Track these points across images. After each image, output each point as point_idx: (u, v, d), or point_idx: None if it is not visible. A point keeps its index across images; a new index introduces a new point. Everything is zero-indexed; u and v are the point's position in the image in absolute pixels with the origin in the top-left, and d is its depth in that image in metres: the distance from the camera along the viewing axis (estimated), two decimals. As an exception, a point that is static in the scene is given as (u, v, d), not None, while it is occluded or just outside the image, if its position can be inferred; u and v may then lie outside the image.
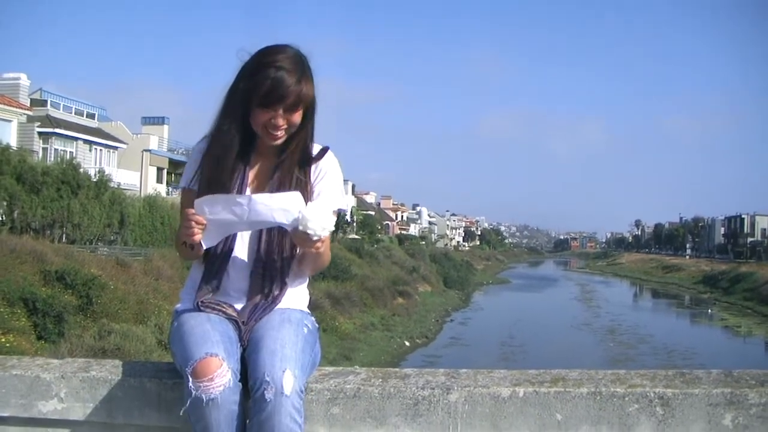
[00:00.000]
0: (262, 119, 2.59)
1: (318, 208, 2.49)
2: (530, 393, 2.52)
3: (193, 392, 2.31)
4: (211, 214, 2.52)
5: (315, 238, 2.48)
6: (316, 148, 2.77)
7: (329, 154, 2.78)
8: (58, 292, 22.72)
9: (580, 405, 2.48)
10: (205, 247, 2.59)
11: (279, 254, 2.68)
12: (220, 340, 2.43)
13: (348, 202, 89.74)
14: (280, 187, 2.66)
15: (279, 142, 2.66)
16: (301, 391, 2.38)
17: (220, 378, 2.32)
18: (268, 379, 2.32)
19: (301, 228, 2.47)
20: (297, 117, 2.62)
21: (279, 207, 2.50)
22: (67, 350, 18.89)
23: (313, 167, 2.74)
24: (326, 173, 2.76)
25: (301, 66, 2.61)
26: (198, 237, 2.53)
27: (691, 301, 79.08)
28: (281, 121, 2.59)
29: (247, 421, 2.41)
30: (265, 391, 2.31)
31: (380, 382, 2.62)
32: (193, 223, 2.51)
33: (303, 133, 2.70)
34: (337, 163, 2.80)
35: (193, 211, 2.52)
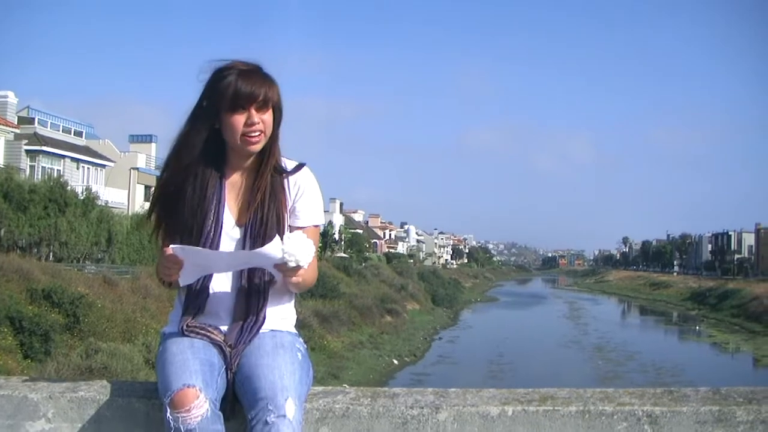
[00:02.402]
0: (236, 124, 2.57)
1: (297, 239, 2.48)
2: (519, 412, 2.52)
3: (171, 423, 2.32)
4: (187, 260, 2.51)
5: (293, 265, 2.47)
6: (291, 164, 2.75)
7: (306, 169, 2.76)
8: (45, 310, 22.65)
9: (569, 424, 2.48)
10: (182, 285, 2.59)
11: (262, 272, 2.66)
12: (199, 370, 2.42)
13: (337, 221, 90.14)
14: (263, 207, 2.65)
15: (258, 146, 2.62)
16: (301, 419, 2.40)
17: (198, 409, 2.32)
18: (271, 408, 2.33)
19: (281, 258, 2.46)
20: (269, 118, 2.62)
21: (260, 260, 2.52)
22: (54, 369, 18.82)
23: (291, 183, 2.72)
24: (305, 190, 2.73)
25: (261, 70, 2.64)
26: (175, 277, 2.54)
27: (679, 318, 79.16)
28: (256, 119, 2.57)
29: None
30: (267, 418, 2.32)
31: (369, 401, 2.61)
32: (171, 262, 2.51)
33: (273, 141, 2.67)
34: (315, 179, 2.79)
35: (170, 251, 2.49)
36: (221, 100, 2.56)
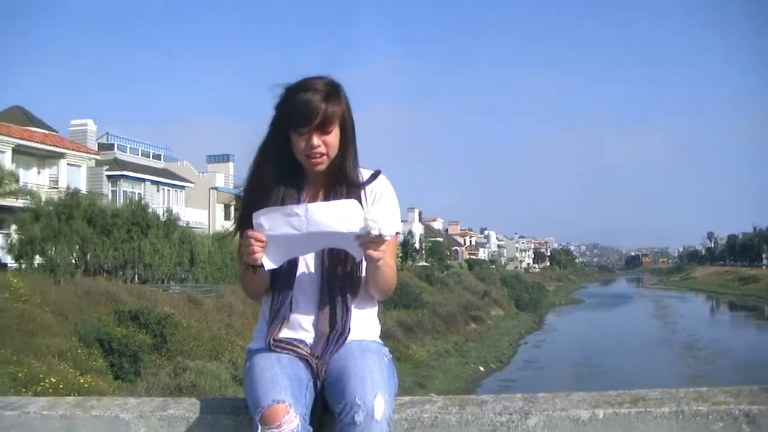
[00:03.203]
0: (300, 144, 2.59)
1: (381, 210, 2.49)
2: (610, 414, 2.47)
3: None
4: (270, 230, 2.50)
5: (376, 233, 2.42)
6: (366, 173, 2.74)
7: (382, 177, 2.76)
8: (133, 331, 23.12)
9: (662, 425, 2.43)
10: (267, 269, 2.57)
11: (344, 280, 2.66)
12: (288, 385, 2.43)
13: (417, 230, 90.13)
14: None
15: (321, 167, 2.64)
16: (390, 419, 2.38)
17: (288, 424, 2.33)
18: (359, 402, 2.32)
19: (363, 227, 2.44)
20: (333, 138, 2.61)
21: (338, 216, 2.48)
22: (144, 389, 19.16)
23: (368, 192, 2.71)
24: (381, 196, 2.73)
25: (332, 88, 2.62)
26: (259, 255, 2.52)
27: (770, 313, 77.46)
28: (317, 142, 2.57)
29: None
30: (356, 415, 2.31)
31: (457, 409, 2.59)
32: (253, 240, 2.51)
33: (345, 156, 2.67)
34: (391, 187, 2.77)
35: (251, 230, 2.52)
36: (287, 118, 2.59)
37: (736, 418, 2.40)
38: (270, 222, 2.51)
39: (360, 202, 2.67)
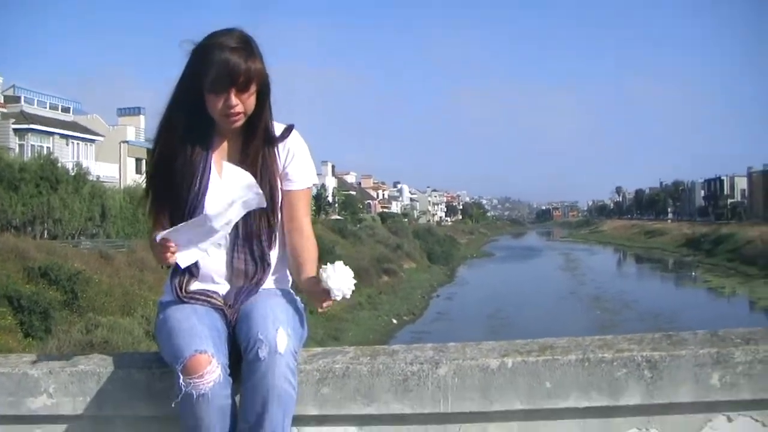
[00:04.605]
0: (216, 104, 2.54)
1: (339, 271, 2.48)
2: (519, 363, 2.52)
3: (184, 388, 2.33)
4: (178, 241, 2.52)
5: (339, 299, 2.50)
6: (279, 128, 2.72)
7: (295, 133, 2.75)
8: (43, 288, 22.71)
9: (569, 372, 2.49)
10: (183, 266, 2.58)
11: (259, 236, 2.66)
12: (209, 335, 2.43)
13: (330, 183, 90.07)
14: (250, 163, 2.66)
15: (238, 124, 2.61)
16: (295, 352, 2.41)
17: (210, 374, 2.33)
18: (261, 337, 2.35)
19: (323, 286, 2.47)
20: (251, 97, 2.58)
21: (239, 199, 2.54)
22: (55, 346, 18.88)
23: (280, 147, 2.71)
24: (295, 153, 2.73)
25: (248, 45, 2.57)
26: (173, 258, 2.54)
27: (674, 265, 79.56)
28: (234, 101, 2.53)
29: (240, 392, 2.44)
30: (259, 350, 2.34)
31: (368, 360, 2.62)
32: (163, 249, 2.52)
33: (262, 113, 2.65)
34: (304, 142, 2.77)
35: (160, 237, 2.50)
36: (203, 78, 2.53)
37: (639, 364, 2.47)
38: (176, 236, 2.52)
39: (275, 157, 2.68)
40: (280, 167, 2.70)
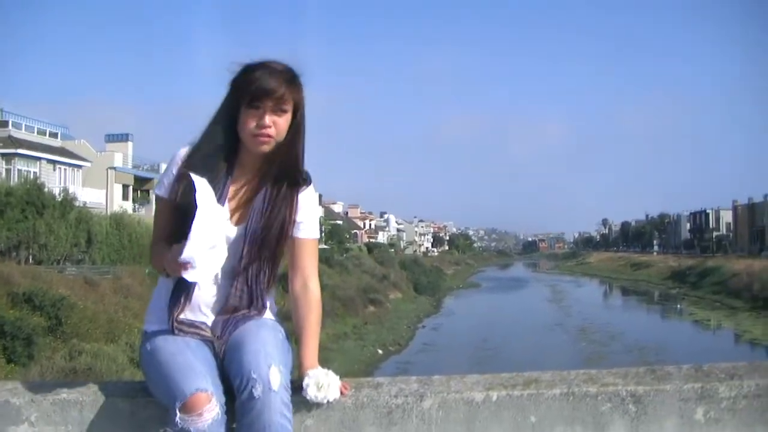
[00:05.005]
0: (250, 123, 2.54)
1: (321, 379, 2.52)
2: (504, 396, 2.52)
3: (180, 425, 2.32)
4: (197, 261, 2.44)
5: (324, 403, 2.54)
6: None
7: (311, 187, 2.74)
8: (27, 314, 22.53)
9: (554, 406, 2.49)
10: (200, 282, 2.54)
11: (258, 275, 2.66)
12: (207, 372, 2.42)
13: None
14: (272, 213, 2.63)
15: (266, 148, 2.59)
16: (288, 386, 2.41)
17: (209, 413, 2.33)
18: (254, 376, 2.35)
19: (306, 392, 2.52)
20: (284, 122, 2.58)
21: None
22: (38, 372, 18.73)
23: (300, 195, 2.70)
24: (309, 204, 2.73)
25: (292, 74, 2.60)
26: (188, 276, 2.45)
27: (660, 297, 79.52)
28: (267, 120, 2.53)
29: (234, 425, 2.42)
30: (253, 389, 2.33)
31: (353, 392, 2.61)
32: (179, 266, 2.42)
33: (291, 147, 2.64)
34: (315, 193, 2.78)
35: (176, 257, 2.42)
36: (242, 92, 2.54)
37: (623, 398, 2.48)
38: (195, 255, 2.42)
39: (293, 202, 2.67)
40: (295, 215, 2.69)
